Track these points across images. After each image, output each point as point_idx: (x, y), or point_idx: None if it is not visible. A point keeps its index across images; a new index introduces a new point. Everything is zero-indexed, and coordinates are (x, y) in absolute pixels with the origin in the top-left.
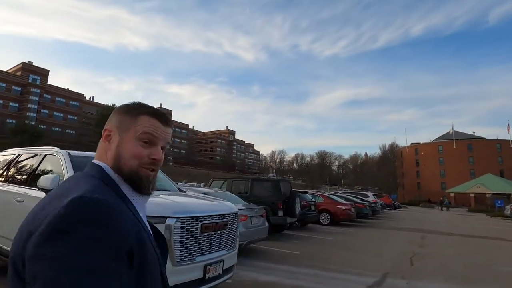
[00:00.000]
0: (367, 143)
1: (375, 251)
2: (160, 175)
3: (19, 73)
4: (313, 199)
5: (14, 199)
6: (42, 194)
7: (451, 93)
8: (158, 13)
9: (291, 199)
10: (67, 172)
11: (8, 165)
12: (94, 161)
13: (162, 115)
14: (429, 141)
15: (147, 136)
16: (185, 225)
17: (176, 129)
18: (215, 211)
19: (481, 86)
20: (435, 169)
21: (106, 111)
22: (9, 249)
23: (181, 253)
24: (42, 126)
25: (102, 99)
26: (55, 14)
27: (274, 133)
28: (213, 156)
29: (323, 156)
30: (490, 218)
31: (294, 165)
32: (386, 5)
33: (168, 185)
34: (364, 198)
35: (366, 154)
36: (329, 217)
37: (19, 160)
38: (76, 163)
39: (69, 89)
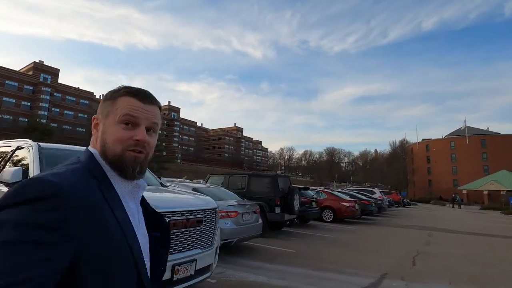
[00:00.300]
0: (377, 140)
1: (377, 249)
2: None
3: (30, 73)
4: (314, 196)
5: None
6: (4, 189)
7: (464, 88)
8: (166, 11)
9: (290, 195)
10: (33, 165)
11: None
12: (89, 147)
13: (140, 93)
14: (441, 137)
15: (126, 117)
16: None
17: (184, 127)
18: (187, 206)
19: (496, 81)
20: (447, 166)
21: None
22: None
23: None
24: (54, 124)
25: None
26: (69, 15)
27: (283, 130)
28: (221, 153)
29: (332, 153)
30: (504, 216)
31: (303, 162)
32: None
33: (148, 180)
34: (370, 195)
35: (376, 150)
36: (332, 214)
37: None
38: (46, 156)
39: (79, 87)
